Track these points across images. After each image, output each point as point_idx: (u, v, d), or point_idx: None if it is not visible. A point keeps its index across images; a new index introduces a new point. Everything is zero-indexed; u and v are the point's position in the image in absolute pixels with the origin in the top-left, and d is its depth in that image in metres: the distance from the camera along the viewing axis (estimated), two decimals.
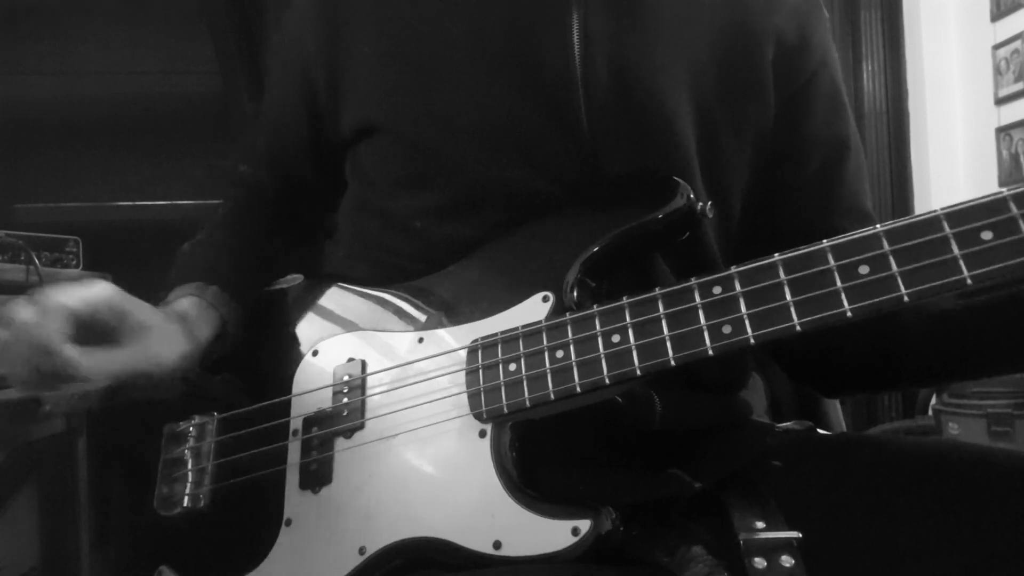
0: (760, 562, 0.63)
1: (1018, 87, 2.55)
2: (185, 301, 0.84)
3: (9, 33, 2.24)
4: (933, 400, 2.35)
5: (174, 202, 2.35)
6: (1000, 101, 2.62)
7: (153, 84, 2.39)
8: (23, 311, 0.70)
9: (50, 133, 2.32)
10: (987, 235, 0.56)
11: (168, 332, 0.79)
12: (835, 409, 1.10)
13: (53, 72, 2.34)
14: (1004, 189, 0.56)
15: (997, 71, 2.61)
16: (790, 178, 0.85)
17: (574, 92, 0.75)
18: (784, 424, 0.87)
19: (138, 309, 0.76)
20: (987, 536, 0.63)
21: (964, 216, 0.57)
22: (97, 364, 0.72)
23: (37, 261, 1.57)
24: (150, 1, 2.35)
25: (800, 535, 0.64)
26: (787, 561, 0.63)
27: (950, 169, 2.74)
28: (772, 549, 0.64)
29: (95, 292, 0.73)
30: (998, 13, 2.61)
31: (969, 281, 0.56)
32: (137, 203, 2.34)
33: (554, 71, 0.76)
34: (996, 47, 2.62)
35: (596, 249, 0.70)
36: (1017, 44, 2.55)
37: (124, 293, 0.76)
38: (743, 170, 0.82)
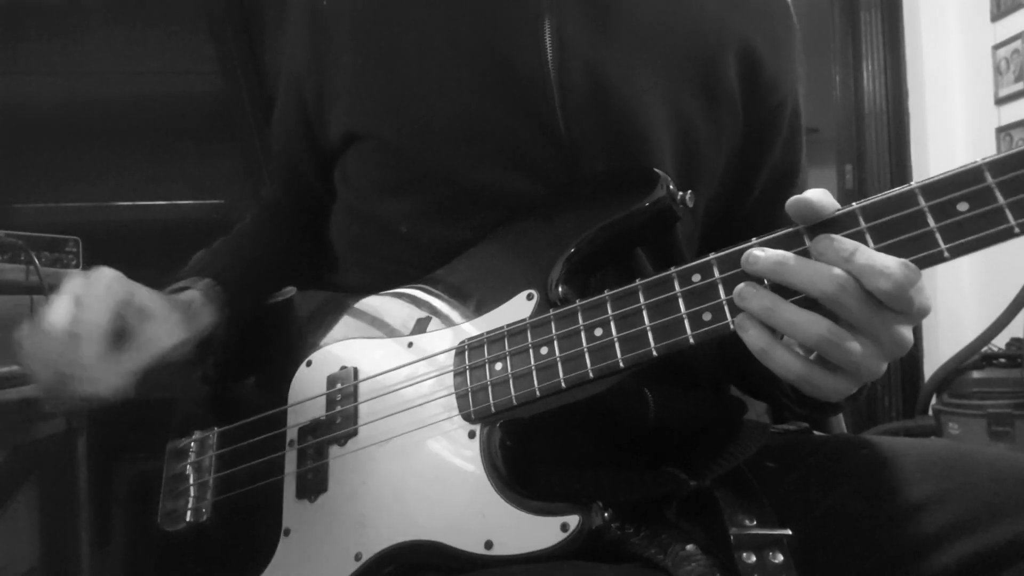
0: (750, 557, 0.63)
1: (1018, 87, 2.54)
2: (188, 293, 0.84)
3: (9, 33, 2.24)
4: (933, 400, 2.35)
5: (174, 202, 2.35)
6: (1000, 101, 2.61)
7: (153, 84, 2.38)
8: (61, 317, 0.69)
9: (50, 133, 2.32)
10: (963, 206, 0.55)
11: (171, 321, 0.78)
12: None
13: (53, 72, 2.34)
14: (979, 159, 0.55)
15: (997, 71, 2.61)
16: (741, 197, 0.85)
17: (549, 96, 0.75)
18: (781, 425, 0.87)
19: (141, 296, 0.75)
20: (984, 538, 0.63)
21: (939, 188, 0.56)
22: (117, 374, 0.72)
23: (37, 261, 1.56)
24: (150, 1, 2.35)
25: (790, 533, 0.64)
26: (776, 557, 0.63)
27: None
28: (762, 545, 0.64)
29: (117, 291, 0.72)
30: (998, 13, 2.61)
31: (946, 254, 0.56)
32: (137, 203, 2.33)
33: (528, 76, 0.76)
34: (996, 47, 2.61)
35: (579, 244, 0.70)
36: (1017, 44, 2.54)
37: (127, 280, 0.75)
38: (714, 182, 0.82)
